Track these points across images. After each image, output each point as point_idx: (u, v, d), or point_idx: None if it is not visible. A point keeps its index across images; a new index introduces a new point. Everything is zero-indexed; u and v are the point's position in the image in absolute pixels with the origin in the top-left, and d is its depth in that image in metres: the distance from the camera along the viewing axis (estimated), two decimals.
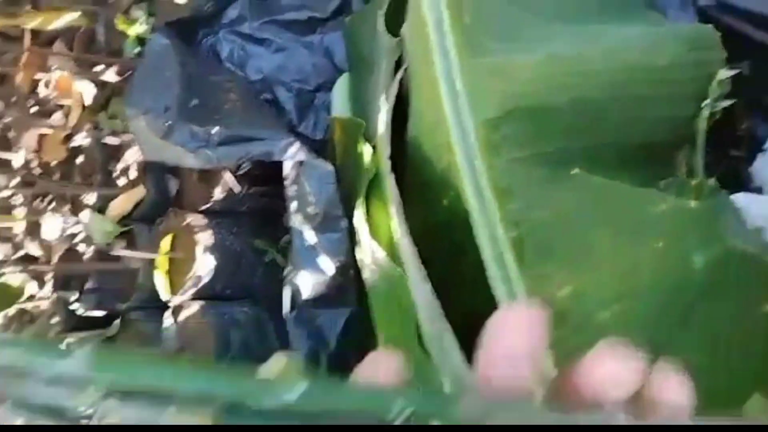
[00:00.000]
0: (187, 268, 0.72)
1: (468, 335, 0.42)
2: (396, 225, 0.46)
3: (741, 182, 0.52)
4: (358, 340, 0.68)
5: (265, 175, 0.74)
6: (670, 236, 0.42)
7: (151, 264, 0.74)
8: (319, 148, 0.75)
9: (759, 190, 0.50)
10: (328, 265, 0.65)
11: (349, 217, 0.59)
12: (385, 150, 0.46)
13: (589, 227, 0.41)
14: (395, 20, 0.49)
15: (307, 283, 0.66)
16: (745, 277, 0.43)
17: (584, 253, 0.40)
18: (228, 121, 0.65)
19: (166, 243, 0.72)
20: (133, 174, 0.79)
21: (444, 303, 0.43)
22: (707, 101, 0.47)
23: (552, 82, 0.41)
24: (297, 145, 0.62)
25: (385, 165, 0.45)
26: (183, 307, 0.73)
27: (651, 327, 0.39)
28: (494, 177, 0.38)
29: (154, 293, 0.76)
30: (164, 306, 0.75)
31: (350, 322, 0.68)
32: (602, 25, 0.49)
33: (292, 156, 0.63)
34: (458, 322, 0.43)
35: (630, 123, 0.46)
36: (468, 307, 0.43)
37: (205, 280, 0.72)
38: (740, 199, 0.46)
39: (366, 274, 0.60)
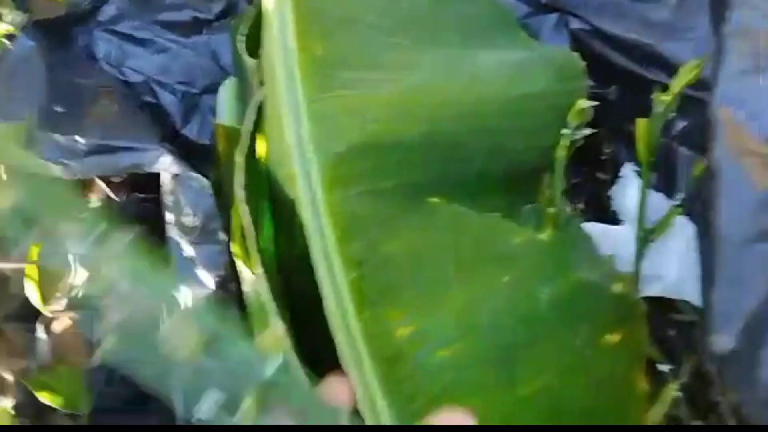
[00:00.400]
0: (60, 277, 0.69)
1: (324, 364, 0.41)
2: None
3: (605, 206, 0.53)
4: None
5: (147, 181, 0.70)
6: (518, 270, 0.42)
7: (24, 272, 0.70)
8: (205, 152, 0.72)
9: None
10: (207, 279, 0.63)
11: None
12: (238, 176, 0.44)
13: (439, 262, 0.41)
14: (257, 38, 0.47)
15: (186, 296, 0.64)
16: (592, 308, 0.44)
17: (431, 290, 0.40)
18: (96, 129, 0.61)
19: (35, 251, 0.68)
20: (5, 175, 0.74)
21: (305, 332, 0.43)
22: (567, 130, 0.47)
23: (404, 117, 0.41)
24: (169, 157, 0.59)
25: (238, 194, 0.43)
26: (56, 318, 0.69)
27: (494, 364, 0.39)
28: (336, 214, 0.37)
29: (28, 302, 0.72)
30: (40, 316, 0.71)
31: None
32: (470, 49, 0.48)
33: (164, 168, 0.60)
34: (316, 348, 0.42)
35: (489, 153, 0.45)
36: (324, 341, 0.42)
37: (80, 289, 0.69)
38: (594, 228, 0.47)
39: (246, 289, 0.59)
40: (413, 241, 0.40)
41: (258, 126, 0.47)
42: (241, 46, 0.48)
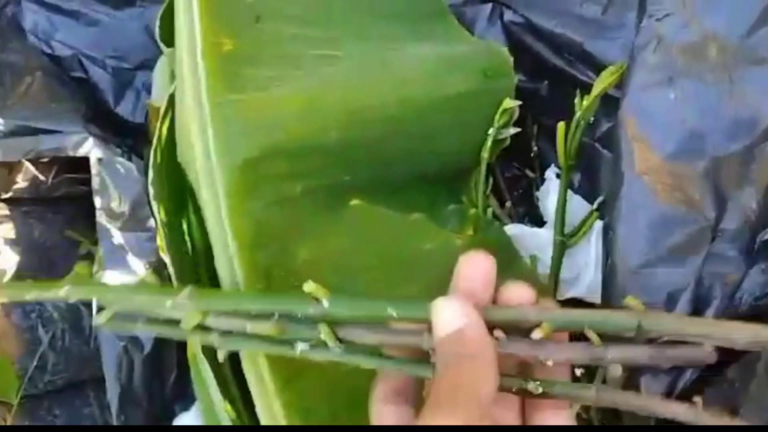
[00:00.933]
0: None
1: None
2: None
3: (535, 203, 0.53)
4: (176, 343, 0.66)
5: (79, 160, 0.68)
6: (430, 277, 0.41)
7: None
8: (141, 132, 0.70)
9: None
10: (138, 266, 0.62)
11: None
12: (150, 173, 0.42)
13: (351, 269, 0.40)
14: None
15: (116, 283, 0.63)
16: None
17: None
18: (19, 110, 0.59)
19: None
20: None
21: None
22: (492, 130, 0.46)
23: (319, 121, 0.39)
24: (91, 140, 0.58)
25: (150, 192, 0.42)
26: None
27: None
28: (240, 224, 0.36)
29: None
30: None
31: None
32: (398, 43, 0.47)
33: (86, 152, 0.58)
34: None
35: (413, 155, 0.44)
36: None
37: (9, 274, 0.67)
38: (517, 229, 0.46)
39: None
40: (323, 247, 0.39)
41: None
42: (158, 32, 0.46)
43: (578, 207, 0.46)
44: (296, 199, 0.39)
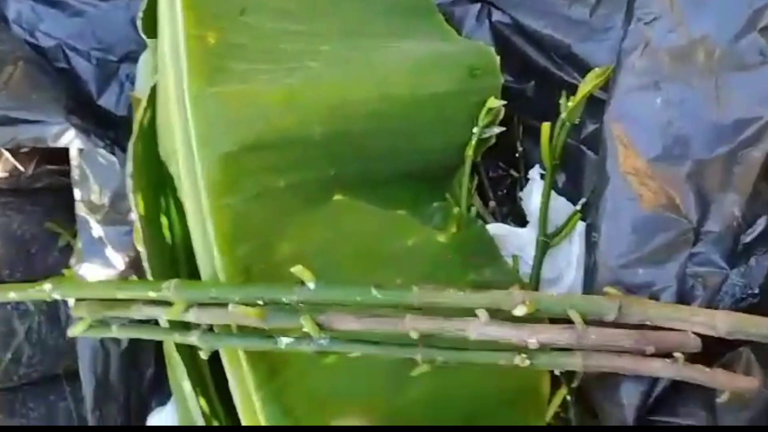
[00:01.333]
0: None
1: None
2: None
3: (518, 204, 0.53)
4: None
5: (60, 151, 0.67)
6: (412, 272, 0.41)
7: None
8: (123, 124, 0.69)
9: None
10: (117, 259, 0.61)
11: None
12: (128, 165, 0.42)
13: (332, 263, 0.40)
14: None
15: (95, 276, 0.62)
16: None
17: None
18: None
19: None
20: None
21: None
22: (476, 129, 0.46)
23: (301, 115, 0.39)
24: (72, 131, 0.57)
25: (129, 184, 0.41)
26: None
27: (383, 369, 0.39)
28: (220, 220, 0.36)
29: None
30: None
31: None
32: (386, 39, 0.46)
33: (67, 143, 0.57)
34: None
35: (397, 151, 0.44)
36: None
37: None
38: (499, 229, 0.46)
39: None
40: (305, 242, 0.39)
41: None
42: (141, 24, 0.45)
43: (561, 208, 0.46)
44: (279, 192, 0.38)
